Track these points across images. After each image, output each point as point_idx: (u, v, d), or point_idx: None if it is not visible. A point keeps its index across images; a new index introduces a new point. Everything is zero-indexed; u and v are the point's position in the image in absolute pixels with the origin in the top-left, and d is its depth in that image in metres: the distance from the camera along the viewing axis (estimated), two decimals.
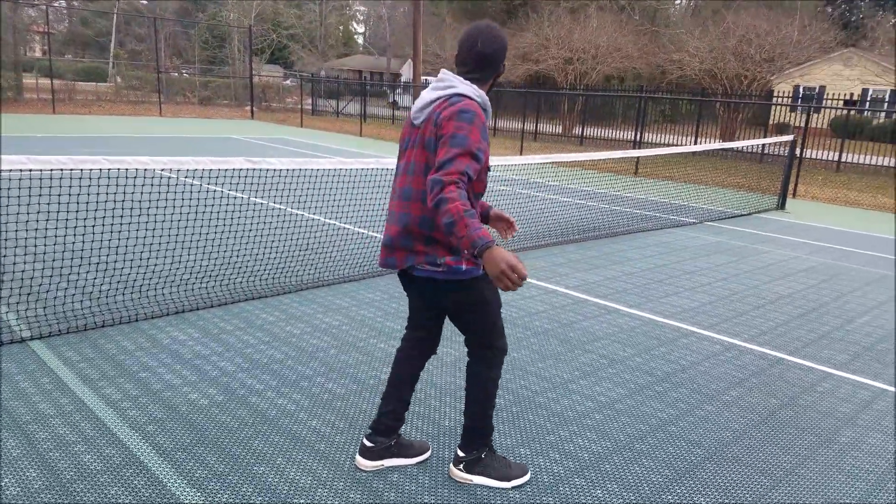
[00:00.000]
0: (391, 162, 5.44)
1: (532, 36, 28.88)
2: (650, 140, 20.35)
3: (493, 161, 6.59)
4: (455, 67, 2.56)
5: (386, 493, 2.65)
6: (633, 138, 17.39)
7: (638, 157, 15.48)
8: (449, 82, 2.47)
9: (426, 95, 2.49)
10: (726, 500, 2.72)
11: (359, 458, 2.81)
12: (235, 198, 8.53)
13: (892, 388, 3.97)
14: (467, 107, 2.35)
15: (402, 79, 48.24)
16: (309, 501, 2.56)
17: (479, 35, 2.48)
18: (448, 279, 2.48)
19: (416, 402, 3.42)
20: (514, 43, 29.85)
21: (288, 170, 10.96)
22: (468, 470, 2.75)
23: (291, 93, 36.66)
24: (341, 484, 2.69)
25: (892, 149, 18.43)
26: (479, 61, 2.49)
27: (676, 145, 18.91)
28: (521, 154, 18.04)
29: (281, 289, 5.09)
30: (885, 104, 24.52)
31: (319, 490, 2.64)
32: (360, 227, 7.45)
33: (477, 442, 2.74)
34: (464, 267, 2.46)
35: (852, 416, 3.56)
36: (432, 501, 2.61)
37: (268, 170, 10.81)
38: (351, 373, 3.73)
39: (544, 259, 6.62)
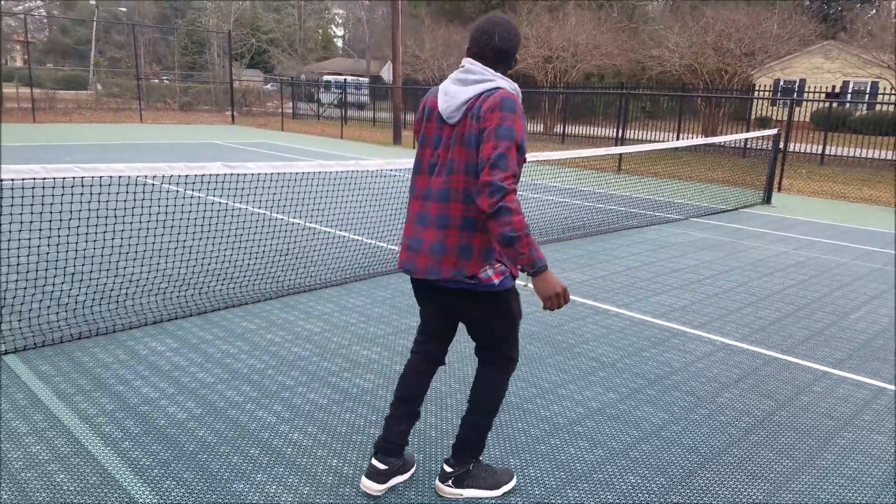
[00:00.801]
0: (371, 163, 5.31)
1: None
2: (632, 137, 20.34)
3: None
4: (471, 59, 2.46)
5: None
6: (614, 135, 17.36)
7: (621, 154, 15.44)
8: (481, 75, 2.37)
9: (458, 92, 2.36)
10: None
11: (367, 481, 2.60)
12: (214, 203, 8.35)
13: (892, 387, 3.89)
14: (509, 96, 2.29)
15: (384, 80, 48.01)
16: None
17: (497, 28, 2.40)
18: (485, 290, 2.40)
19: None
20: None
21: (267, 174, 10.79)
22: (457, 485, 2.63)
23: (272, 97, 36.37)
24: (323, 500, 2.55)
25: (874, 140, 18.53)
26: (497, 55, 2.40)
27: (659, 141, 18.91)
28: None
29: (261, 295, 4.94)
30: (867, 96, 24.70)
31: None
32: (341, 231, 7.31)
33: (469, 455, 2.62)
34: (497, 281, 2.39)
35: (852, 417, 3.48)
36: None
37: (247, 174, 10.63)
38: (333, 381, 3.60)
39: None
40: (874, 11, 28.20)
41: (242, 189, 9.26)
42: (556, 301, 2.23)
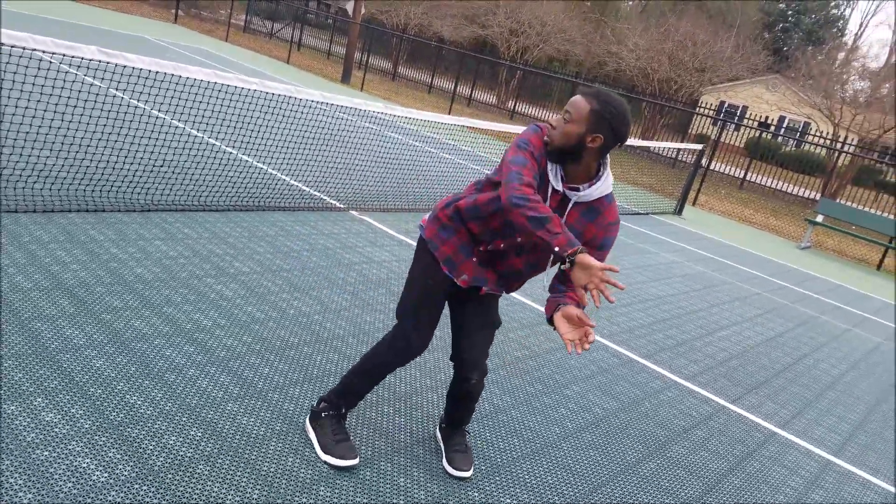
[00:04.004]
0: (279, 87, 5.00)
1: None
2: None
3: (422, 116, 6.26)
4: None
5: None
6: None
7: None
8: None
9: None
10: None
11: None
12: (98, 88, 7.77)
13: (733, 407, 4.01)
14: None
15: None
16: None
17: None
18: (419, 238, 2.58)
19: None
20: (464, 3, 29.19)
21: (150, 70, 10.16)
22: (310, 419, 2.67)
23: (227, 4, 34.41)
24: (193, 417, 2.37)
25: (794, 176, 19.35)
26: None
27: None
28: (449, 113, 17.68)
29: (126, 205, 4.61)
30: (798, 133, 25.75)
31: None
32: (234, 150, 6.95)
33: (332, 397, 2.63)
34: (422, 226, 2.58)
35: (685, 431, 3.56)
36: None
37: (128, 66, 9.95)
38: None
39: None
40: (821, 57, 29.27)
41: (126, 83, 8.65)
42: (598, 281, 2.00)
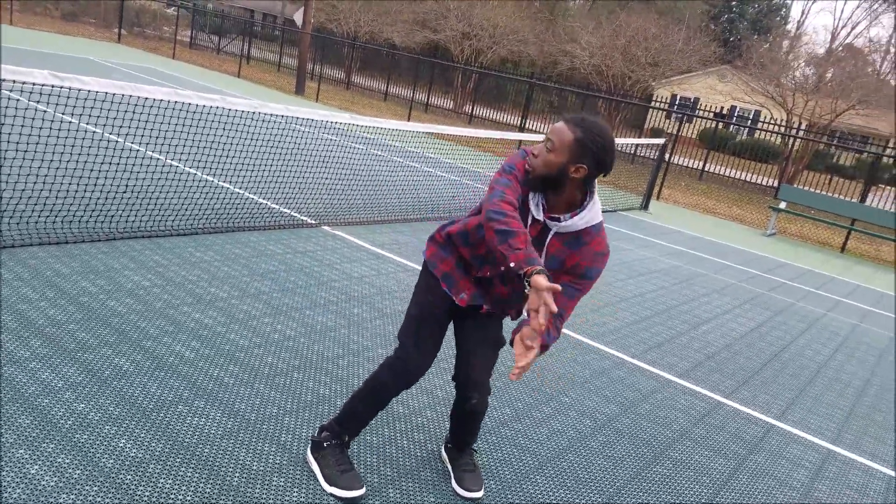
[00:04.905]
0: (240, 102, 4.85)
1: (433, 2, 28.30)
2: (535, 128, 20.56)
3: (380, 125, 6.15)
4: None
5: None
6: (518, 124, 17.45)
7: (520, 141, 15.51)
8: None
9: None
10: None
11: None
12: (50, 115, 7.47)
13: (729, 402, 4.00)
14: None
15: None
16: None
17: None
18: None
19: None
20: (414, 8, 29.15)
21: (109, 93, 9.86)
22: (312, 450, 2.55)
23: (170, 21, 33.72)
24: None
25: (749, 164, 19.77)
26: None
27: None
28: (408, 121, 17.56)
29: (87, 235, 4.40)
30: (749, 122, 26.36)
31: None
32: (202, 173, 6.74)
33: (335, 425, 2.51)
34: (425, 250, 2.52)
35: (688, 429, 3.52)
36: None
37: (83, 91, 9.64)
38: (148, 345, 3.21)
39: (408, 234, 6.29)
40: (767, 45, 30.02)
41: (79, 108, 8.36)
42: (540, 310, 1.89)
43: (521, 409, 3.33)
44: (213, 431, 2.60)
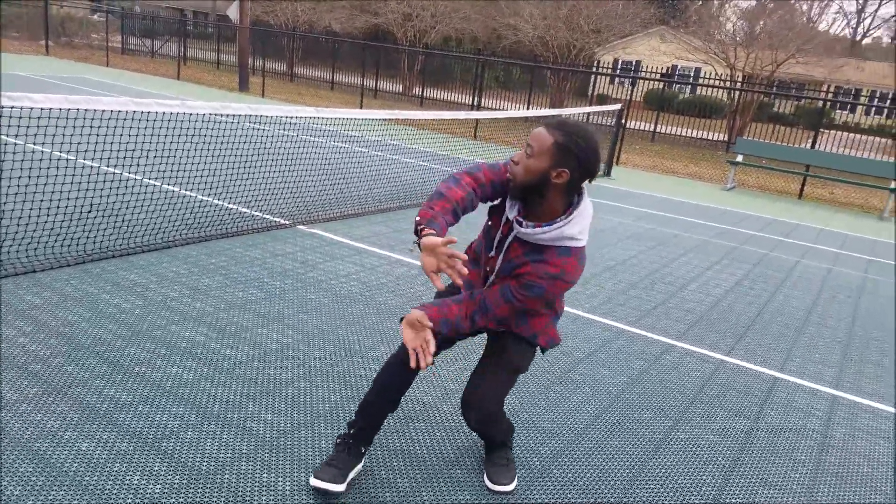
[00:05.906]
0: (201, 106, 4.64)
1: None
2: (487, 105, 20.48)
3: (331, 115, 5.97)
4: None
5: None
6: (471, 102, 17.33)
7: (477, 121, 15.43)
8: None
9: None
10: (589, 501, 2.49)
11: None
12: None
13: (731, 359, 4.03)
14: None
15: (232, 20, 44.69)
16: None
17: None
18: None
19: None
20: None
21: (62, 108, 9.43)
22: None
23: (99, 29, 32.41)
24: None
25: (695, 122, 20.09)
26: None
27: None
28: (360, 108, 17.29)
29: (56, 261, 4.17)
30: (691, 79, 26.77)
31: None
32: (169, 185, 6.49)
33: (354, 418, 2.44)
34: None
35: (699, 391, 3.53)
36: None
37: (32, 108, 9.21)
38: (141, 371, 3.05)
39: (386, 224, 6.17)
40: (700, 2, 30.45)
41: (27, 128, 7.96)
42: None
43: (535, 391, 3.28)
44: (227, 456, 2.48)
